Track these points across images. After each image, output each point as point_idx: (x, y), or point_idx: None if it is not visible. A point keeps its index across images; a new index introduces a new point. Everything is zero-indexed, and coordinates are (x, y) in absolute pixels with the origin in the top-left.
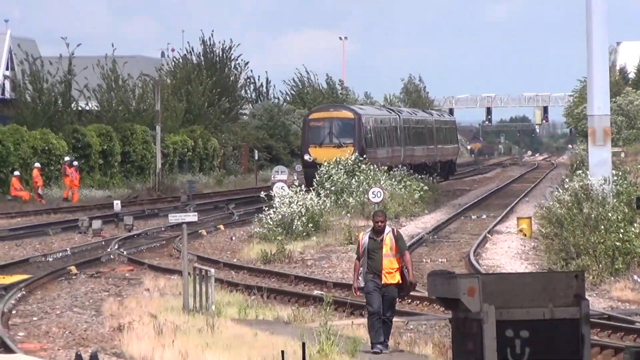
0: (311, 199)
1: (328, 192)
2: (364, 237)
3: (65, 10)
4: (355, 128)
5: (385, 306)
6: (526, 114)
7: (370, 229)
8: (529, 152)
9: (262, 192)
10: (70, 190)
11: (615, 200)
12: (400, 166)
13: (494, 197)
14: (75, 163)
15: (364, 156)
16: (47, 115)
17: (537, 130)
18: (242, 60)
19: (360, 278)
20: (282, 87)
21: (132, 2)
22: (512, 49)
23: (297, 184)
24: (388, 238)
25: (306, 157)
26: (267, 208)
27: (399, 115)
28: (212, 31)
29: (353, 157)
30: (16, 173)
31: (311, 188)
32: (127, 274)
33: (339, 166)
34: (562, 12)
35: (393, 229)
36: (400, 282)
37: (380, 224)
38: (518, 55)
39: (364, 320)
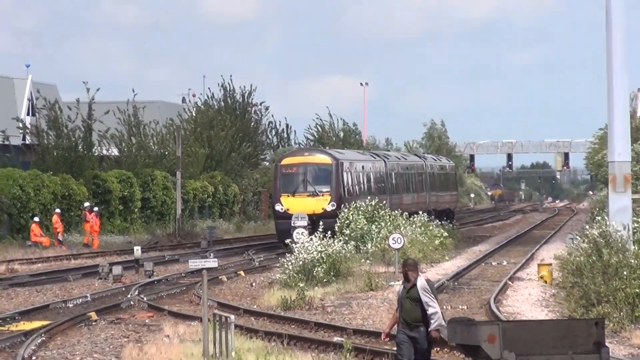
0: (333, 245)
1: (347, 238)
2: (399, 287)
3: (87, 55)
4: (332, 174)
5: (418, 356)
6: (547, 160)
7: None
8: (550, 199)
9: (287, 240)
10: (90, 236)
11: (635, 247)
12: None
13: (515, 244)
14: (96, 209)
15: (342, 206)
16: (68, 160)
17: (558, 177)
18: (263, 105)
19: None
20: (303, 132)
21: (154, 48)
22: (533, 95)
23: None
24: (416, 288)
25: (277, 207)
26: (287, 254)
27: (384, 161)
28: (231, 76)
29: (329, 207)
30: (36, 219)
31: (285, 242)
32: (147, 320)
33: (359, 212)
34: (584, 59)
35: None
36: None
37: (409, 271)
38: (539, 101)
39: None
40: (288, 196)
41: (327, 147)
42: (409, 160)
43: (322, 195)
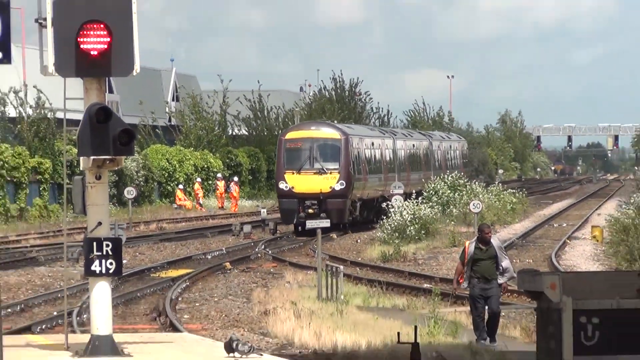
0: (423, 209)
1: (435, 204)
2: (470, 246)
3: (222, 51)
4: (341, 151)
5: (493, 303)
6: (600, 141)
7: (475, 238)
8: (602, 172)
9: (383, 203)
10: (229, 201)
11: None
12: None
13: (573, 209)
14: (236, 178)
15: (351, 185)
16: (206, 139)
17: (609, 155)
18: (367, 94)
19: (463, 280)
20: (401, 116)
21: (277, 45)
22: (591, 87)
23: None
24: (493, 248)
25: (281, 185)
26: (385, 217)
27: (393, 137)
28: (341, 70)
29: (338, 186)
30: (180, 186)
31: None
32: (271, 269)
33: (443, 183)
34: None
35: (496, 240)
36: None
37: (487, 234)
38: (596, 90)
39: (465, 308)
40: (293, 173)
41: (335, 122)
42: (414, 137)
43: (330, 173)
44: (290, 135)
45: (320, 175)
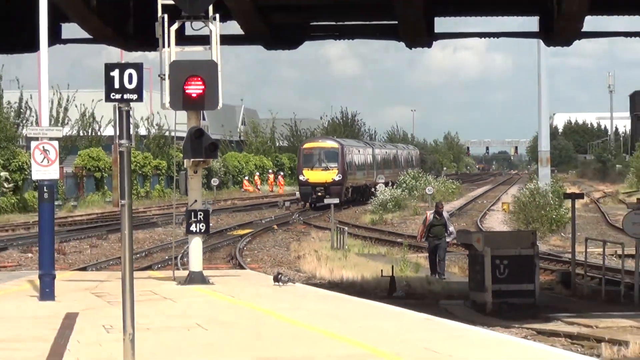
0: (397, 192)
1: (404, 189)
2: (430, 216)
3: (272, 93)
4: (339, 155)
5: (441, 252)
6: (506, 149)
7: (433, 210)
8: (507, 169)
9: (372, 189)
10: (277, 187)
11: (551, 195)
12: (373, 184)
13: (490, 192)
14: (282, 173)
15: (345, 177)
16: (262, 148)
17: (512, 158)
18: (361, 121)
19: (423, 238)
20: (382, 135)
21: (306, 90)
22: (501, 114)
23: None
24: (443, 218)
25: (301, 177)
26: (373, 197)
27: (372, 147)
28: (346, 107)
29: (337, 177)
30: (246, 178)
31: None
32: (302, 230)
33: (410, 176)
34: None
35: (445, 213)
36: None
37: (440, 209)
38: (504, 116)
39: (424, 255)
40: (308, 170)
41: (335, 136)
42: (387, 147)
43: (332, 169)
44: (306, 145)
45: (325, 171)
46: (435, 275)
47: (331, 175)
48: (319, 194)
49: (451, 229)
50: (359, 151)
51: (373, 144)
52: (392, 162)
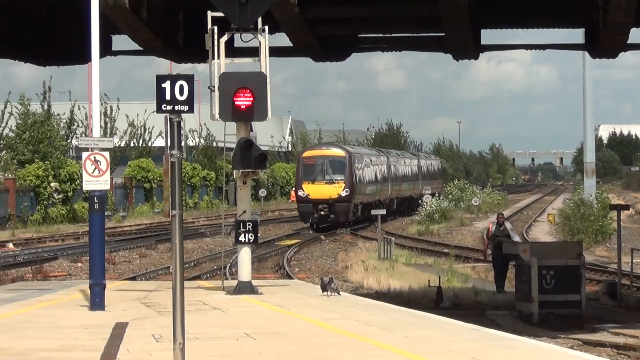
0: (443, 204)
1: (450, 200)
2: (493, 226)
3: (320, 105)
4: (346, 165)
5: (506, 265)
6: (552, 161)
7: (496, 222)
8: (553, 181)
9: (419, 200)
10: None
11: (596, 205)
12: (388, 200)
13: (535, 203)
14: None
15: (354, 192)
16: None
17: (557, 169)
18: (407, 132)
19: (488, 249)
20: (429, 146)
21: (353, 101)
22: (545, 127)
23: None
24: (506, 229)
25: (300, 192)
26: (419, 207)
27: (387, 156)
28: (391, 118)
29: (344, 193)
30: (294, 188)
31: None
32: (349, 240)
33: (454, 187)
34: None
35: (508, 224)
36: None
37: (501, 219)
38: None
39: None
40: (309, 183)
41: (341, 143)
42: (406, 156)
43: (338, 183)
44: (307, 154)
45: (330, 185)
46: (500, 290)
47: (337, 190)
48: (322, 212)
49: (517, 239)
50: (370, 161)
51: (388, 152)
52: (411, 174)
